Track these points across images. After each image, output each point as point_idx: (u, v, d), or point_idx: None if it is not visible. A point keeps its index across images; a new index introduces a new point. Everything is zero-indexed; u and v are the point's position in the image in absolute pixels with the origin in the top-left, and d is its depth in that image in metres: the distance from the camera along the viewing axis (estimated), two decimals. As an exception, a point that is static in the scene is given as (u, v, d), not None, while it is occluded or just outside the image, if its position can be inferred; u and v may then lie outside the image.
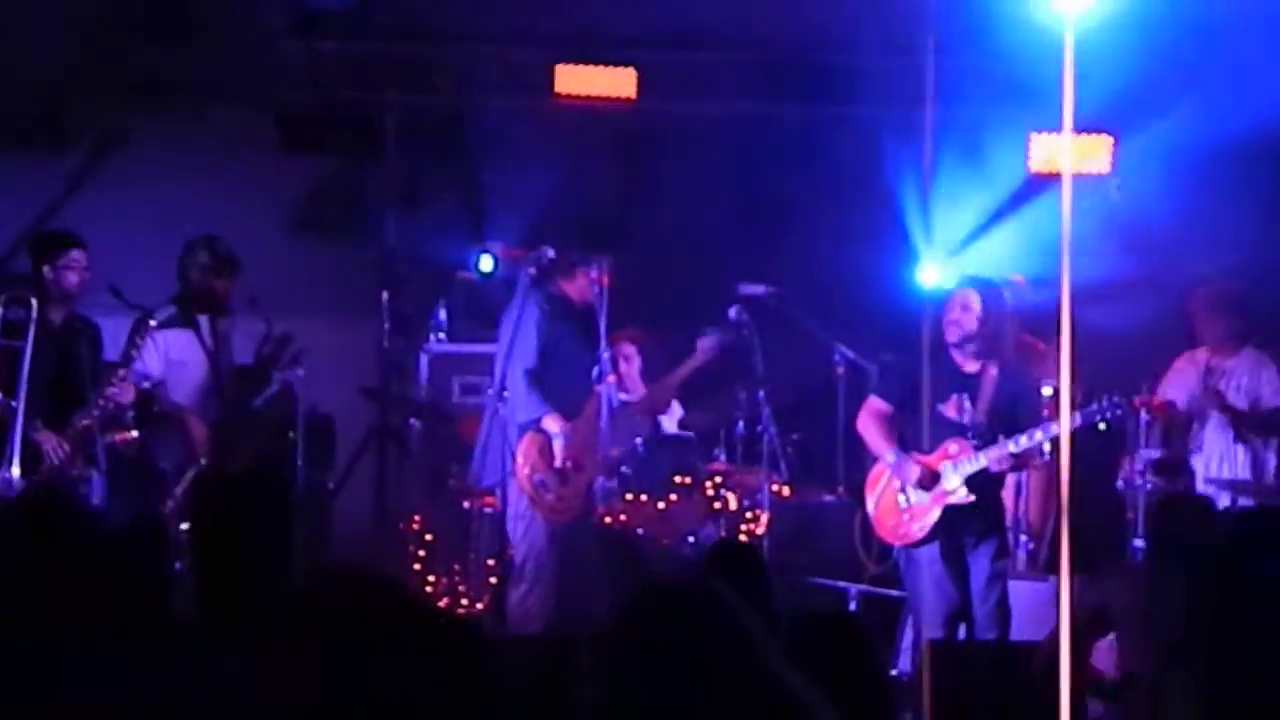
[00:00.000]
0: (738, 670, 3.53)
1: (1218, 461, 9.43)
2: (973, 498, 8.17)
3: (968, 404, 8.28)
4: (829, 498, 10.01)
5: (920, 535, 8.26)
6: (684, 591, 3.67)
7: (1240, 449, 9.39)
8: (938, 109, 8.03)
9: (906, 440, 8.39)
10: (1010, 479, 8.92)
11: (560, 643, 6.70)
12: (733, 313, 9.33)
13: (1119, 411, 8.02)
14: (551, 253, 8.85)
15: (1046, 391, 8.49)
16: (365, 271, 9.99)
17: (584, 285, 8.99)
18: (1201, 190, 10.03)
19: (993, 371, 8.27)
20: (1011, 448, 8.03)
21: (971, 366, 8.24)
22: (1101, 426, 8.01)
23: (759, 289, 9.50)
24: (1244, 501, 9.18)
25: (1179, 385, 9.72)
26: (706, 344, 9.24)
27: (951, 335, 8.22)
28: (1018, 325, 8.33)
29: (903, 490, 8.32)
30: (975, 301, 8.21)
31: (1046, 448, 8.54)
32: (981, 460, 8.16)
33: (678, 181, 10.21)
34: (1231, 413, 9.33)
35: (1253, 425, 9.28)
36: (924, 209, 9.07)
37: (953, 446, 8.24)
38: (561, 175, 9.77)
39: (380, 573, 3.45)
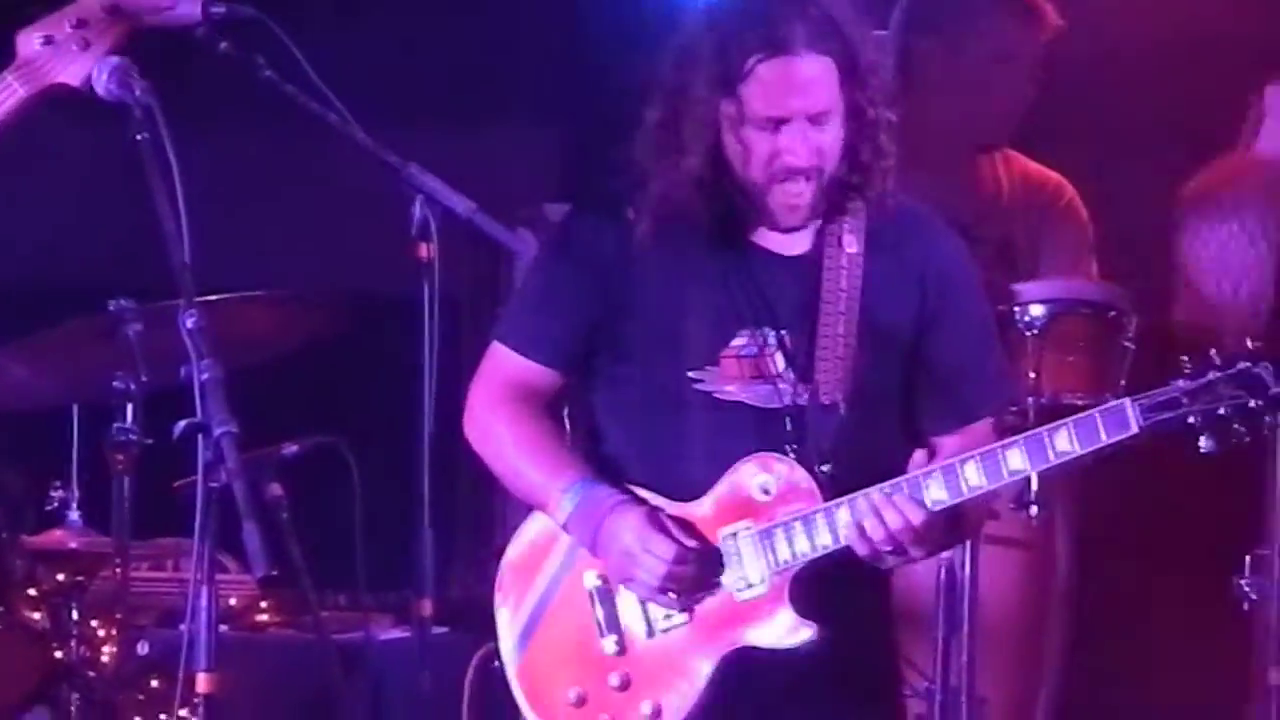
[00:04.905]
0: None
1: None
2: (812, 631, 4.01)
3: (776, 354, 4.03)
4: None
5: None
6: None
7: None
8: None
9: (618, 453, 4.19)
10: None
11: None
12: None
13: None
14: None
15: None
16: None
17: None
18: None
19: (848, 247, 4.07)
20: (932, 489, 3.88)
21: (785, 241, 4.12)
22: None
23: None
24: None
25: None
26: None
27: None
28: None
29: (605, 604, 4.22)
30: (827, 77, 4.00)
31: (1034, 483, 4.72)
32: (844, 520, 3.95)
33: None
34: None
35: None
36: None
37: (755, 475, 4.05)
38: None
39: None
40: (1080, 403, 4.80)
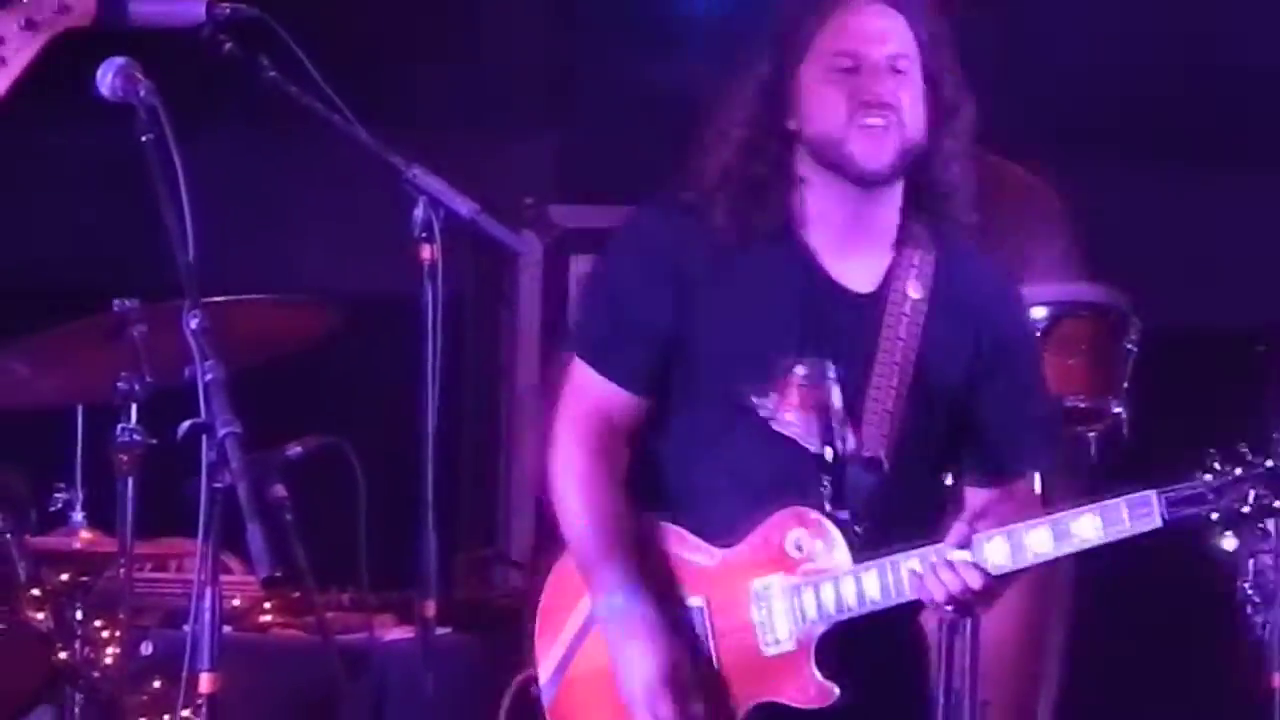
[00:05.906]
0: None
1: None
2: (836, 693, 3.81)
3: (834, 388, 3.83)
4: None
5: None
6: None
7: None
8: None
9: (665, 486, 4.00)
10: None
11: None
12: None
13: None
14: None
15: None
16: None
17: None
18: None
19: (913, 293, 3.84)
20: (996, 551, 3.68)
21: (854, 275, 3.88)
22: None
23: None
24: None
25: None
26: None
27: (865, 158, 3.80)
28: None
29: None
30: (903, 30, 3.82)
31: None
32: (872, 584, 3.80)
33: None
34: None
35: None
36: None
37: (790, 529, 3.87)
38: None
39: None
40: (1083, 405, 4.75)
